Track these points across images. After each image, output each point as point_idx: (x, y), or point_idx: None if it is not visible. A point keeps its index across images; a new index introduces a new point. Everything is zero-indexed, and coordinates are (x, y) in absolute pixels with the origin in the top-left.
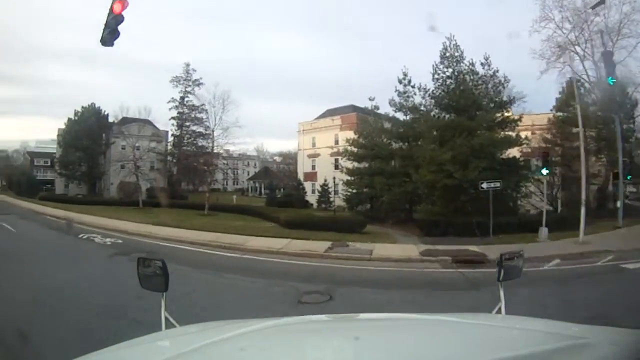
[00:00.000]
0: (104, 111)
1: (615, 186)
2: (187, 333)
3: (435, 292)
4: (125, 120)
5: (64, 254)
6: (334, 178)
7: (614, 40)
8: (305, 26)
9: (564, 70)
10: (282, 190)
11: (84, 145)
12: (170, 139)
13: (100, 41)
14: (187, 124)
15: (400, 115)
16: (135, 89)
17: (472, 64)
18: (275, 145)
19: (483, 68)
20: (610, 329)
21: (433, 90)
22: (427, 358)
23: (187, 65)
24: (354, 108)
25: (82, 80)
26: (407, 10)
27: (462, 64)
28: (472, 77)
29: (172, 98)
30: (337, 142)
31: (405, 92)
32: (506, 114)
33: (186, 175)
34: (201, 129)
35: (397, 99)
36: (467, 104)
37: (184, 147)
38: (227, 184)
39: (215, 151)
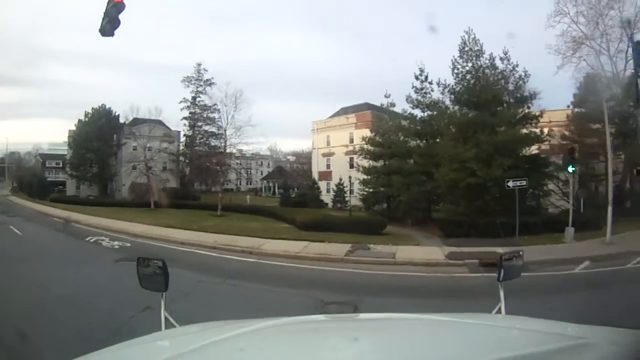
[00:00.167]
0: (115, 112)
1: (634, 184)
2: (187, 333)
3: (469, 302)
4: (137, 121)
5: (67, 258)
6: (350, 177)
7: (629, 34)
8: (317, 25)
9: (580, 66)
10: (296, 189)
11: (94, 147)
12: (183, 139)
13: (100, 31)
14: (199, 124)
15: (417, 112)
16: (147, 90)
17: (492, 58)
18: (288, 144)
19: (502, 63)
20: (610, 329)
21: (453, 86)
22: (426, 358)
23: (199, 65)
24: (368, 106)
25: (94, 82)
26: (419, 6)
27: (481, 59)
28: (492, 72)
29: (184, 98)
30: (352, 140)
31: (422, 89)
32: (527, 110)
33: (199, 176)
34: (213, 129)
35: (414, 96)
36: (488, 99)
37: (196, 147)
38: (240, 184)
39: (228, 151)
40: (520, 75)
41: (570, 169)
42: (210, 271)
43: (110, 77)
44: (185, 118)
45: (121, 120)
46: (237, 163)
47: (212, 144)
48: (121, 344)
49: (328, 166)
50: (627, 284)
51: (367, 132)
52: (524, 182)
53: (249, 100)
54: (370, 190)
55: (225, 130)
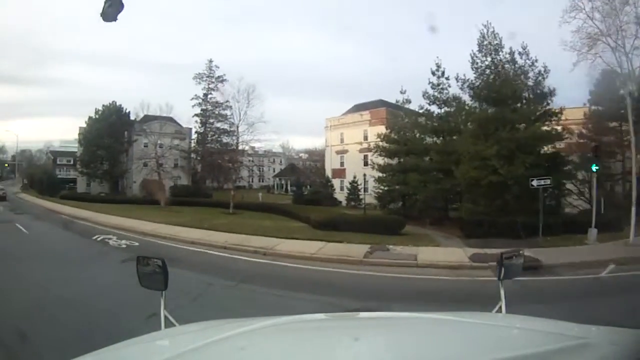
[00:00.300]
0: (126, 109)
1: None
2: (187, 332)
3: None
4: (147, 118)
5: (71, 258)
6: (364, 175)
7: None
8: (329, 22)
9: (595, 62)
10: (308, 187)
11: (105, 144)
12: (194, 136)
13: (101, 15)
14: (211, 120)
15: (434, 109)
16: (158, 87)
17: (512, 53)
18: (301, 142)
19: (521, 58)
20: (610, 329)
21: (472, 81)
22: (427, 357)
23: (210, 61)
24: (382, 103)
25: (106, 80)
26: (433, 3)
27: (500, 53)
28: (512, 67)
29: (195, 95)
30: (366, 137)
31: (439, 84)
32: (547, 107)
33: (210, 173)
34: (225, 126)
35: (430, 91)
36: (508, 94)
37: (208, 145)
38: (252, 181)
39: (240, 148)
40: (539, 71)
41: (593, 168)
42: (221, 273)
43: (122, 75)
44: (196, 115)
45: (132, 117)
46: (249, 160)
47: (224, 141)
48: (121, 343)
49: (342, 164)
50: None
51: (381, 129)
52: (548, 181)
53: (262, 95)
54: (386, 188)
55: (237, 127)
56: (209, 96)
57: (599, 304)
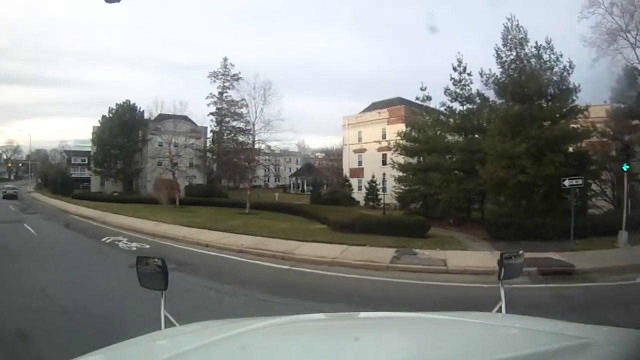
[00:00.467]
0: (139, 108)
1: None
2: (187, 332)
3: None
4: (162, 117)
5: (77, 262)
6: (384, 174)
7: None
8: (343, 20)
9: (615, 59)
10: (325, 187)
11: (119, 143)
12: (210, 135)
13: None
14: (227, 119)
15: (456, 106)
16: (173, 87)
17: (538, 47)
18: (316, 142)
19: (545, 52)
20: (610, 329)
21: (498, 76)
22: (427, 357)
23: (225, 60)
24: (400, 100)
25: (121, 79)
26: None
27: (525, 47)
28: (538, 62)
29: (210, 93)
30: (384, 136)
31: (460, 80)
32: (573, 104)
33: (226, 172)
34: (241, 125)
35: (452, 88)
36: (535, 91)
37: (224, 143)
38: (268, 181)
39: (256, 147)
40: (564, 66)
41: (624, 168)
42: (235, 281)
43: (136, 75)
44: (212, 114)
45: (146, 116)
46: (266, 160)
47: (240, 139)
48: (121, 343)
49: (360, 163)
50: None
51: (400, 128)
52: (579, 181)
53: (278, 92)
54: (407, 188)
55: (253, 125)
56: (225, 95)
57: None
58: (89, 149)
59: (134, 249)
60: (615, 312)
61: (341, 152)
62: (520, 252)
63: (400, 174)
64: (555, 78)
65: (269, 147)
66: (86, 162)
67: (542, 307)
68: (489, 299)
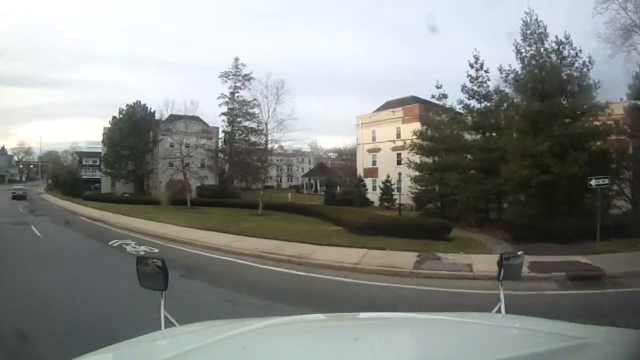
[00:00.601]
0: (150, 108)
1: None
2: (187, 332)
3: None
4: (173, 117)
5: (83, 266)
6: (399, 174)
7: None
8: (356, 19)
9: (631, 55)
10: (338, 187)
11: (129, 144)
12: (221, 135)
13: None
14: (239, 119)
15: (473, 103)
16: (184, 88)
17: (559, 42)
18: (328, 142)
19: (564, 48)
20: (610, 329)
21: (518, 72)
22: (426, 357)
23: (236, 60)
24: (415, 99)
25: (133, 82)
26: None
27: (545, 42)
28: (558, 57)
29: (222, 94)
30: (399, 135)
31: (477, 77)
32: (594, 100)
33: (238, 173)
34: (253, 125)
35: (469, 85)
36: (556, 87)
37: (236, 144)
38: (280, 181)
39: (269, 147)
40: (583, 62)
41: None
42: (249, 289)
43: (147, 76)
44: (223, 114)
45: (157, 117)
46: (279, 160)
47: (252, 140)
48: (121, 343)
49: (374, 162)
50: None
51: (415, 126)
52: (606, 181)
53: (291, 91)
54: (423, 188)
55: (266, 124)
56: (236, 95)
57: None
58: (100, 150)
59: (142, 253)
60: None
61: (354, 152)
62: (520, 253)
63: (416, 173)
64: (575, 74)
65: (281, 147)
66: (97, 163)
67: (579, 317)
68: (522, 308)
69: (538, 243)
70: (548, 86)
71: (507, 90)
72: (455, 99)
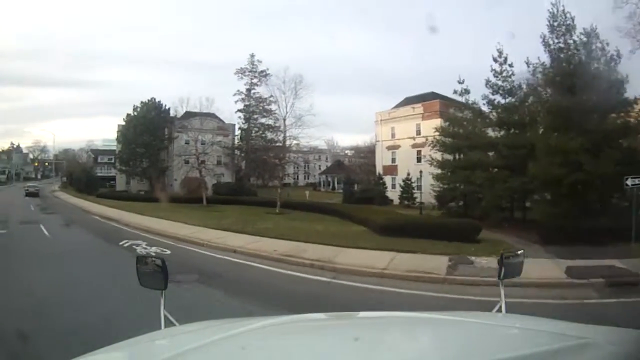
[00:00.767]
0: (165, 105)
1: None
2: (187, 332)
3: None
4: (188, 114)
5: (90, 268)
6: (420, 172)
7: None
8: (372, 16)
9: None
10: (356, 185)
11: (144, 141)
12: (237, 132)
13: None
14: (255, 116)
15: (497, 98)
16: (199, 85)
17: (588, 34)
18: (345, 139)
19: (592, 41)
20: (610, 328)
21: (547, 65)
22: (427, 357)
23: (252, 56)
24: (434, 95)
25: (148, 80)
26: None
27: (573, 35)
28: (587, 50)
29: (238, 90)
30: (418, 132)
31: (501, 72)
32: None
33: (255, 170)
34: (270, 121)
35: (493, 80)
36: (586, 81)
37: (252, 141)
38: (297, 178)
39: (287, 143)
40: (611, 55)
41: None
42: (268, 298)
43: (162, 74)
44: (240, 110)
45: (172, 114)
46: (297, 157)
47: (269, 137)
48: (121, 343)
49: (393, 160)
50: None
51: (435, 123)
52: None
53: (310, 86)
54: (447, 186)
55: (284, 120)
56: (252, 91)
57: None
58: (115, 148)
59: (152, 254)
60: None
61: (371, 149)
62: (520, 252)
63: (438, 171)
64: (604, 68)
65: (298, 144)
66: (112, 160)
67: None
68: (564, 319)
69: (572, 246)
70: (578, 80)
71: (534, 84)
72: (480, 94)
